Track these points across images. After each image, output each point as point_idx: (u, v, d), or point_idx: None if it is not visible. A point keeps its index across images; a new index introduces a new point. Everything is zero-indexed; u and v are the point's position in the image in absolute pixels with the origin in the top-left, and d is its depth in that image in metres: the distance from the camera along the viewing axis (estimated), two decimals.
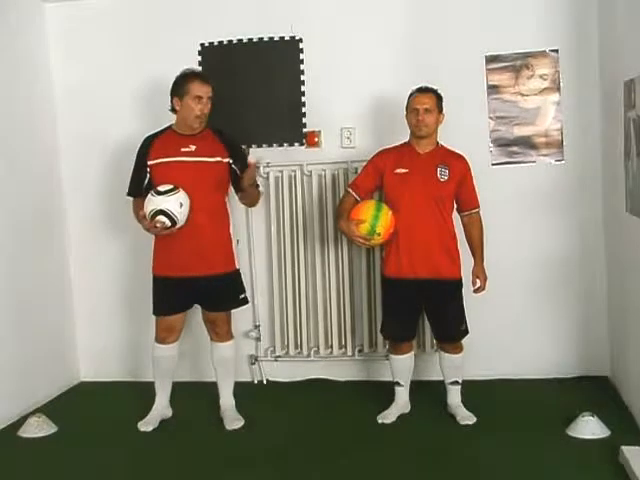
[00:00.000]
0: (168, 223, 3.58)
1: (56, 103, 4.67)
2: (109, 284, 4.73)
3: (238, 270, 3.94)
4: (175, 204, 3.57)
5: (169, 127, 3.86)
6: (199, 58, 4.49)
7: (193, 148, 3.76)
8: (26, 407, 4.16)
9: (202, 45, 4.49)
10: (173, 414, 4.03)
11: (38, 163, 4.51)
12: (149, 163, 3.78)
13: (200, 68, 4.09)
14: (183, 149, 3.75)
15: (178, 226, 3.62)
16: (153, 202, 3.58)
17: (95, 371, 4.78)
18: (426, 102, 3.71)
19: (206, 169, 3.76)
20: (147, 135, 3.89)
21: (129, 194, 3.90)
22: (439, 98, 3.75)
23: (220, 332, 3.93)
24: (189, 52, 4.47)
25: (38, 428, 3.87)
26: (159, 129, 3.89)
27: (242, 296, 3.96)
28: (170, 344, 3.92)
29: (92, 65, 4.60)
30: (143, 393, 4.11)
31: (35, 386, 4.30)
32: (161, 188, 3.61)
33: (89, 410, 4.28)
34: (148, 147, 3.82)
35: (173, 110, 3.80)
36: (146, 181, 3.81)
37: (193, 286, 3.78)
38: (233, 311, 4.01)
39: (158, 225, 3.58)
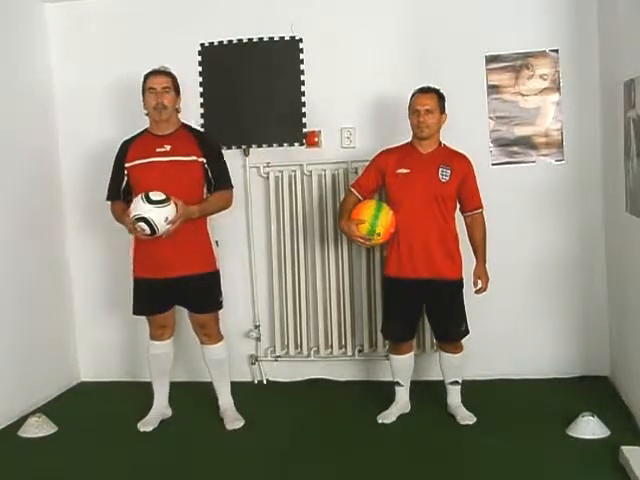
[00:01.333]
0: (148, 231, 3.57)
1: (56, 102, 4.67)
2: (109, 284, 4.73)
3: (219, 272, 3.91)
4: (160, 217, 3.54)
5: (145, 130, 3.89)
6: (199, 58, 4.50)
7: (168, 148, 3.76)
8: (26, 407, 4.16)
9: (202, 45, 4.49)
10: (173, 414, 4.03)
11: (38, 163, 4.51)
12: (126, 165, 3.80)
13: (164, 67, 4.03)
14: (158, 149, 3.76)
15: (157, 235, 3.60)
16: (140, 208, 3.55)
17: (95, 371, 4.78)
18: (427, 103, 3.70)
19: (181, 168, 3.75)
20: (124, 139, 3.90)
21: (108, 198, 3.90)
22: (441, 98, 3.75)
23: (211, 334, 3.92)
24: (189, 52, 4.48)
25: (38, 428, 3.87)
26: (135, 133, 3.91)
27: (220, 299, 3.93)
28: (165, 340, 3.93)
29: (92, 65, 4.60)
30: (143, 393, 4.10)
31: (35, 386, 4.30)
32: (153, 196, 3.56)
33: (89, 410, 4.28)
34: (125, 151, 3.83)
35: (147, 114, 3.85)
36: (124, 184, 3.82)
37: (173, 287, 3.77)
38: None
39: (138, 229, 3.58)
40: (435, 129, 3.74)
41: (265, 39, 4.43)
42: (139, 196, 3.59)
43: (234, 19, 4.46)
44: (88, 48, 4.60)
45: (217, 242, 3.94)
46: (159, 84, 3.76)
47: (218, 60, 4.49)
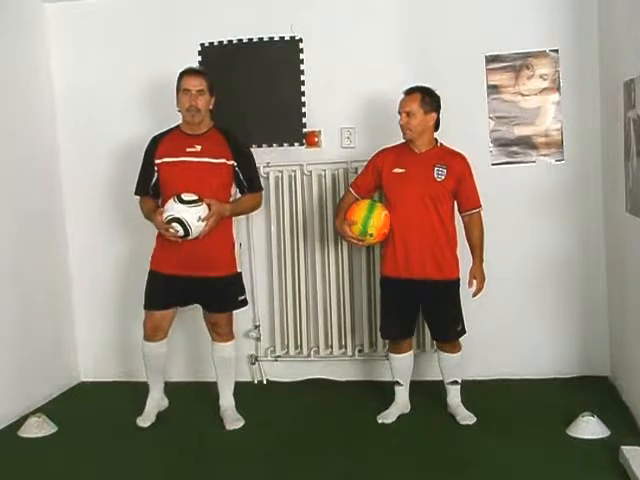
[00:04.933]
0: (181, 232, 3.59)
1: (56, 103, 4.67)
2: (109, 284, 4.73)
3: (239, 274, 3.93)
4: (194, 217, 3.57)
5: (177, 127, 3.88)
6: (199, 58, 4.49)
7: (199, 148, 3.76)
8: (26, 407, 4.15)
9: (202, 45, 4.50)
10: (174, 414, 4.03)
11: (38, 163, 4.50)
12: (156, 162, 3.80)
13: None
14: (188, 149, 3.76)
15: (191, 238, 3.63)
16: (173, 208, 3.59)
17: (95, 371, 4.78)
18: (407, 105, 3.71)
19: (210, 170, 3.75)
20: (154, 135, 3.91)
21: (136, 193, 3.92)
22: (428, 97, 3.71)
23: (222, 332, 3.93)
24: (189, 52, 4.47)
25: (38, 428, 3.87)
26: (167, 129, 3.91)
27: (241, 298, 3.95)
28: (158, 342, 3.94)
29: (92, 65, 4.60)
30: (143, 393, 4.09)
31: (35, 386, 4.29)
32: (185, 197, 3.60)
33: (89, 410, 4.28)
34: (155, 146, 3.84)
35: (179, 110, 3.84)
36: (154, 180, 3.83)
37: (191, 286, 3.78)
38: (234, 311, 4.01)
39: (171, 230, 3.60)
40: (418, 131, 3.72)
41: (265, 39, 4.44)
42: (171, 198, 3.62)
43: (234, 19, 4.46)
44: (88, 48, 4.60)
45: (240, 244, 3.97)
46: (194, 86, 3.74)
47: (218, 60, 4.48)
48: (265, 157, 4.48)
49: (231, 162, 3.80)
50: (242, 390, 4.17)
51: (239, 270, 3.92)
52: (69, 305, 4.75)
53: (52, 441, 3.82)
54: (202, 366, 4.43)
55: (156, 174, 3.82)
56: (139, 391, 4.18)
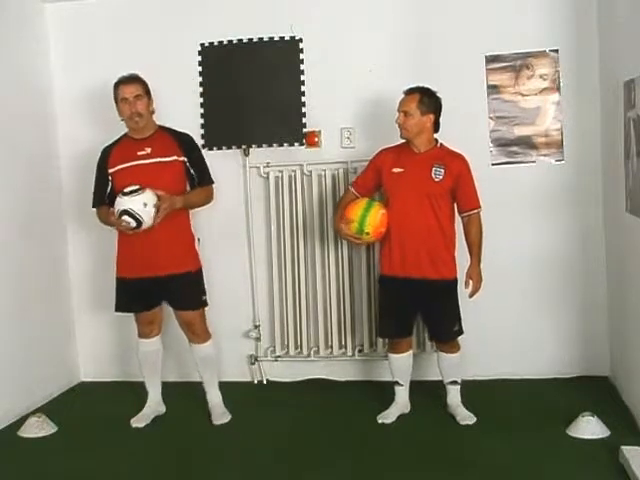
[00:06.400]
0: (133, 223, 3.64)
1: (56, 104, 4.67)
2: (109, 284, 4.69)
3: (201, 269, 3.95)
4: (139, 204, 3.62)
5: (124, 135, 3.93)
6: (199, 58, 4.50)
7: (149, 150, 3.82)
8: (26, 407, 4.16)
9: (202, 45, 4.50)
10: (172, 414, 4.04)
11: (38, 164, 4.51)
12: (110, 171, 3.85)
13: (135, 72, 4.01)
14: (139, 153, 3.82)
15: (145, 226, 3.65)
16: (119, 203, 3.65)
17: (95, 371, 4.79)
18: (405, 105, 3.72)
19: (163, 169, 3.81)
20: (104, 146, 3.96)
21: (94, 205, 3.96)
22: (427, 97, 3.71)
23: (197, 332, 3.95)
24: (189, 52, 4.48)
25: (38, 428, 3.87)
26: (115, 139, 3.95)
27: (204, 297, 3.96)
28: (154, 338, 4.00)
29: (92, 65, 4.59)
30: (142, 393, 4.10)
31: (35, 386, 4.30)
32: (127, 189, 3.66)
33: (89, 410, 4.29)
34: (107, 157, 3.90)
35: (123, 119, 3.88)
36: (108, 189, 3.88)
37: (159, 285, 3.82)
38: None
39: (124, 224, 3.64)
40: (415, 131, 3.72)
41: (265, 39, 4.44)
42: (117, 196, 3.68)
43: (234, 19, 4.46)
44: (88, 48, 4.60)
45: (199, 239, 3.98)
46: (131, 93, 3.79)
47: (218, 60, 4.49)
48: (265, 157, 4.49)
49: (182, 158, 3.86)
50: (242, 390, 4.18)
51: (201, 266, 3.95)
52: (69, 305, 4.75)
53: (52, 441, 3.82)
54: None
55: (110, 183, 3.86)
56: (139, 391, 4.18)
